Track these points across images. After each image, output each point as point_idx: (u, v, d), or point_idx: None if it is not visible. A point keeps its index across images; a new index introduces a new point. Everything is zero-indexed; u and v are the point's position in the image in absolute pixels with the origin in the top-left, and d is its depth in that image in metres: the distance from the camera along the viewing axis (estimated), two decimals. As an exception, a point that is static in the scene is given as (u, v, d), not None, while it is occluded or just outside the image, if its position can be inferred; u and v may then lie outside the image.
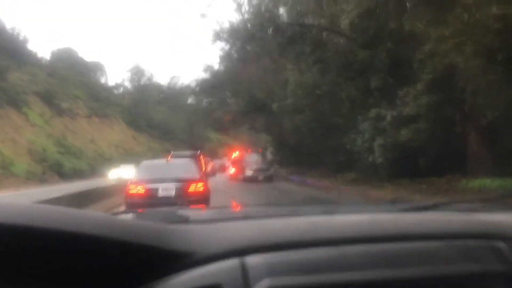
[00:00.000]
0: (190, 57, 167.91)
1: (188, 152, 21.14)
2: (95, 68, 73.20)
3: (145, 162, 11.60)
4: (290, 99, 21.60)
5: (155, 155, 48.96)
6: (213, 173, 33.15)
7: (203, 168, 17.78)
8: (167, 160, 12.37)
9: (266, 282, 0.84)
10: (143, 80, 76.54)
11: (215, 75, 35.05)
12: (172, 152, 21.01)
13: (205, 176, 13.33)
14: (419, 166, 16.70)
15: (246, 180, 26.61)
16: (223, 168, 39.67)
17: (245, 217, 1.42)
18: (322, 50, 20.30)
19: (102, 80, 74.79)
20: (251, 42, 23.45)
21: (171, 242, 0.88)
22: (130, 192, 9.84)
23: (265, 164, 27.68)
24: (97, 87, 67.07)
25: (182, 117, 71.06)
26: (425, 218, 1.19)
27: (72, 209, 0.84)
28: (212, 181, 19.14)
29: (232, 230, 1.05)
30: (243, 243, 0.94)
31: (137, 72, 76.00)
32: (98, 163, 46.32)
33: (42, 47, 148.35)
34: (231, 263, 0.87)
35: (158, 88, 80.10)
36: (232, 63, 29.92)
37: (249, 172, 27.06)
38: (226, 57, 30.27)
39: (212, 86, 34.60)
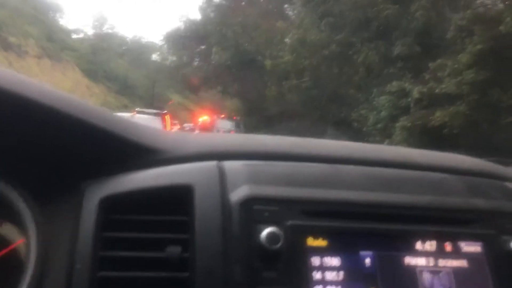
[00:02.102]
0: (160, 12, 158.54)
1: (153, 111, 19.62)
2: (54, 8, 65.36)
3: None
4: (288, 57, 17.10)
5: (111, 110, 44.42)
6: None
7: (168, 128, 15.92)
8: (132, 115, 11.34)
9: (245, 189, 0.72)
10: (106, 28, 69.42)
11: (192, 24, 29.91)
12: (136, 108, 19.25)
13: None
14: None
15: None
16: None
17: None
18: (336, 0, 15.87)
19: (62, 24, 67.25)
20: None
21: (142, 136, 0.80)
22: None
23: (240, 133, 23.30)
24: (54, 27, 59.56)
25: (144, 73, 65.78)
26: (432, 153, 1.08)
27: (38, 81, 0.77)
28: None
29: (211, 136, 0.98)
30: (223, 146, 0.84)
31: (99, 19, 68.74)
32: (43, 110, 40.25)
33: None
34: (207, 164, 0.77)
35: (121, 39, 73.14)
36: (218, 8, 24.95)
37: (220, 141, 22.61)
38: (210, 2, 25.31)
39: (188, 37, 29.44)
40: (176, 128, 26.74)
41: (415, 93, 13.69)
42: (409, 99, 13.84)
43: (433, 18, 15.35)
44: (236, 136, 0.97)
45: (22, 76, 0.74)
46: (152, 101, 59.18)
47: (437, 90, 13.20)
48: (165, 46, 44.94)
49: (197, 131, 28.94)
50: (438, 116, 12.65)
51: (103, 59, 62.02)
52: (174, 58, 43.16)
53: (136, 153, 0.76)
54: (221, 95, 35.37)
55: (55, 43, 54.32)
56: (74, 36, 68.15)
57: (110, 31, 70.18)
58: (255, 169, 0.76)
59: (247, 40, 21.94)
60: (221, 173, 0.74)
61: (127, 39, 74.93)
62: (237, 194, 0.71)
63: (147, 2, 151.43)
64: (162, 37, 37.18)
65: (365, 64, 14.65)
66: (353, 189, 0.78)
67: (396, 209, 0.78)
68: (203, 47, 30.07)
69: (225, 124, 23.75)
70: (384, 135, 14.17)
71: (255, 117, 29.73)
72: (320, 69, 16.47)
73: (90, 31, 70.22)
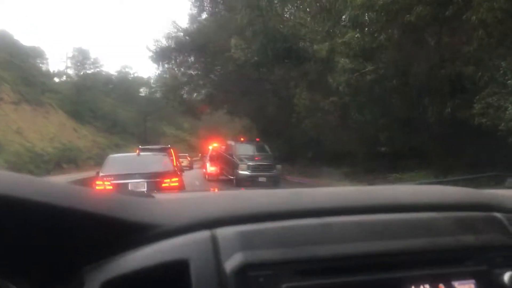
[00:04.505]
0: (142, 46, 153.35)
1: (157, 146, 17.85)
2: (34, 54, 59.42)
3: (113, 156, 10.42)
4: (351, 33, 11.30)
5: (102, 150, 39.40)
6: (190, 167, 27.84)
7: (175, 163, 13.80)
8: (137, 153, 10.49)
9: (239, 256, 0.72)
10: (88, 65, 63.89)
11: (186, 34, 24.35)
12: (139, 146, 16.91)
13: (179, 171, 11.55)
14: None
15: (239, 183, 16.20)
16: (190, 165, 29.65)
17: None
18: None
19: (44, 68, 61.36)
20: None
21: (134, 214, 0.77)
22: (96, 188, 8.42)
23: (267, 160, 17.29)
24: (33, 71, 53.67)
25: (134, 108, 60.85)
26: (418, 189, 1.07)
27: (30, 176, 0.73)
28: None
29: (202, 201, 0.93)
30: (214, 214, 0.81)
31: (80, 54, 63.17)
32: (24, 159, 34.14)
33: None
34: (199, 235, 0.75)
35: (106, 77, 67.62)
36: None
37: (244, 171, 16.63)
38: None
39: (181, 50, 23.82)
40: (185, 161, 22.38)
41: None
42: None
43: None
44: (226, 197, 0.93)
45: (9, 175, 0.69)
46: (145, 136, 53.61)
47: None
48: (156, 72, 39.07)
49: (207, 161, 23.24)
50: None
51: (88, 98, 56.31)
52: (164, 89, 37.31)
53: (132, 232, 0.74)
54: (229, 117, 29.55)
55: (34, 87, 48.45)
56: (56, 79, 62.64)
57: (94, 70, 64.83)
58: (247, 234, 0.74)
59: (281, 20, 15.82)
60: (214, 243, 0.73)
61: (112, 76, 69.69)
62: (231, 263, 0.70)
63: (129, 30, 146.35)
64: (151, 54, 30.85)
65: (483, 25, 8.92)
66: (344, 242, 0.76)
67: (388, 256, 0.76)
68: (198, 64, 24.21)
69: (246, 149, 17.86)
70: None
71: (275, 137, 23.85)
72: (403, 46, 10.72)
73: (72, 72, 64.71)
